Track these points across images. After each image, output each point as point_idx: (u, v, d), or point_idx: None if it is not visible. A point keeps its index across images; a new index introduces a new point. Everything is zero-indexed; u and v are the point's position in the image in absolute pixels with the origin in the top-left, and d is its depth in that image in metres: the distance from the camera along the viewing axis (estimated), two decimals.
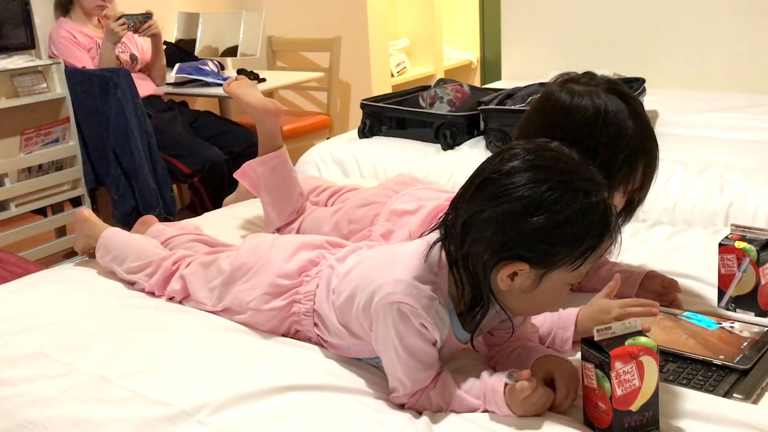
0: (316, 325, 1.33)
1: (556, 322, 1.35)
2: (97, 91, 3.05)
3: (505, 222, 1.07)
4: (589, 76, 1.39)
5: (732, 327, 1.35)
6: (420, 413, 1.18)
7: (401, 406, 1.20)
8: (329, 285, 1.31)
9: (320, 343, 1.34)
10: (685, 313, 1.40)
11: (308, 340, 1.36)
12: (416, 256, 1.15)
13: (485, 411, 1.16)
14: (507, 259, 1.08)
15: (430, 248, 1.15)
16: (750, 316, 1.42)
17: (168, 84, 3.69)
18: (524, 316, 1.26)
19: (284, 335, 1.38)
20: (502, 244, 1.07)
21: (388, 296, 1.13)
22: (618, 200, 1.36)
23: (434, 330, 1.14)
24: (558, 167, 1.09)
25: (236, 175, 1.92)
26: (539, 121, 1.37)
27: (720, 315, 1.43)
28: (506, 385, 1.13)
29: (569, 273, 1.10)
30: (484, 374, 1.17)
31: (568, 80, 1.40)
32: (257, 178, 1.88)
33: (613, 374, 1.04)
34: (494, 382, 1.15)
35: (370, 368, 1.29)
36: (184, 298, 1.53)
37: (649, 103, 2.84)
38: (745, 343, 1.30)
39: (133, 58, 3.53)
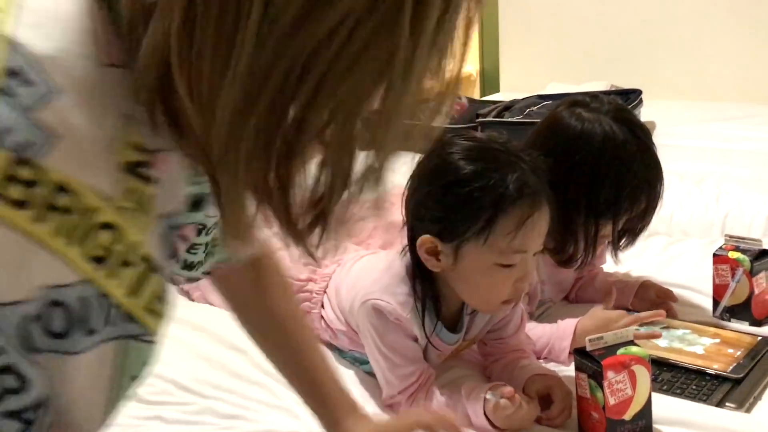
0: (323, 307, 1.35)
1: (554, 332, 1.35)
2: None
3: (417, 196, 1.11)
4: (598, 100, 1.38)
5: None
6: None
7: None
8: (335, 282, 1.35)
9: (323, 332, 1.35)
10: None
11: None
12: (396, 261, 1.19)
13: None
14: (421, 234, 1.11)
15: (401, 252, 1.19)
16: (744, 326, 1.43)
17: None
18: (487, 312, 1.22)
19: None
20: (415, 219, 1.12)
21: (365, 296, 1.17)
22: (619, 226, 1.38)
23: (413, 326, 1.16)
24: (485, 146, 1.08)
25: None
26: (546, 145, 1.36)
27: (715, 324, 1.44)
28: (487, 400, 1.12)
29: (484, 248, 1.08)
30: (463, 391, 1.16)
31: (575, 103, 1.38)
32: None
33: (605, 384, 1.05)
34: (474, 397, 1.14)
35: (366, 381, 1.29)
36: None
37: (646, 113, 2.85)
38: (739, 352, 1.31)
39: None
